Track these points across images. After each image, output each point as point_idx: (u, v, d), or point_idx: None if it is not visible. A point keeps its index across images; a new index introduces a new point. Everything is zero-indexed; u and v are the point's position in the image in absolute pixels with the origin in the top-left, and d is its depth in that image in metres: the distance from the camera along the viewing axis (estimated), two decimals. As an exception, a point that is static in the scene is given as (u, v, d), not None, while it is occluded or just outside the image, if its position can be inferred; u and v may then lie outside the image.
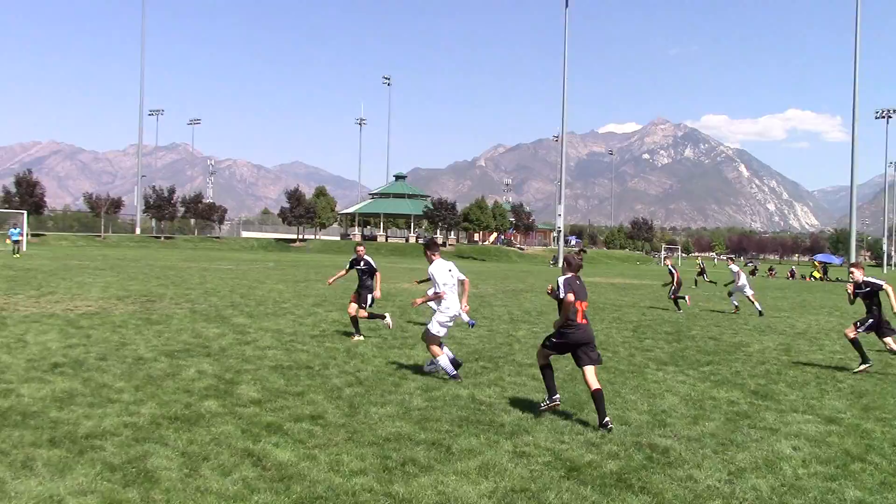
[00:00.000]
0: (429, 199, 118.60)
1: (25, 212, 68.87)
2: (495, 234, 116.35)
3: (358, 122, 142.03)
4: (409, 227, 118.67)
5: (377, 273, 14.80)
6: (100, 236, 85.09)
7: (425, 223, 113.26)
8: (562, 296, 8.45)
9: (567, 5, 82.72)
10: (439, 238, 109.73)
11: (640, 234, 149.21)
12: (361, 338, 14.13)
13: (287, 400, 8.79)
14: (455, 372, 10.59)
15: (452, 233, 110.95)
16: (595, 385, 8.27)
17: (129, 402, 8.35)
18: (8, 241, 52.66)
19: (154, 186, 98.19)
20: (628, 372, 11.94)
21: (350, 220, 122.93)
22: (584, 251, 59.81)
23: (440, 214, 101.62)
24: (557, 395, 8.70)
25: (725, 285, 28.20)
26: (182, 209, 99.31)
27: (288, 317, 17.51)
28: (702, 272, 45.08)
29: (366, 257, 14.84)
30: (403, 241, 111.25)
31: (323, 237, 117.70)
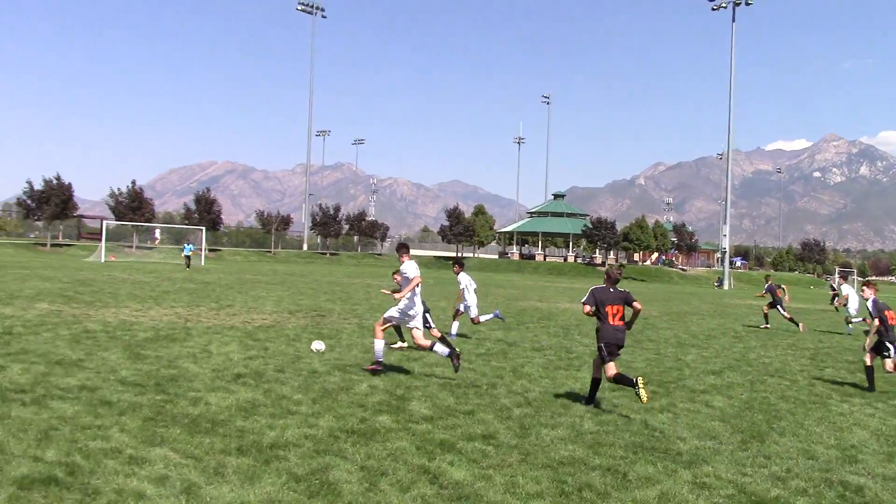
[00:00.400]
0: (587, 217, 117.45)
1: (204, 228, 73.11)
2: (656, 255, 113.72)
3: (516, 140, 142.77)
4: (567, 247, 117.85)
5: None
6: (271, 252, 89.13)
7: (584, 242, 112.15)
8: (583, 301, 10.07)
9: (734, 20, 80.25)
10: (598, 258, 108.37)
11: (810, 256, 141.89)
12: (405, 344, 14.73)
13: (458, 418, 8.84)
14: (377, 364, 11.62)
15: (611, 252, 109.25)
16: (613, 372, 9.73)
17: (307, 414, 8.63)
18: (182, 256, 56.18)
19: (320, 204, 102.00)
20: (810, 403, 11.31)
21: (508, 238, 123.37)
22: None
23: (599, 234, 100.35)
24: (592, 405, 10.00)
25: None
26: (346, 226, 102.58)
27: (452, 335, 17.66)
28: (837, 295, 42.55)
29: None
30: (561, 260, 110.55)
31: (481, 255, 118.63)
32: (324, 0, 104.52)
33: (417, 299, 12.12)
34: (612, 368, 9.77)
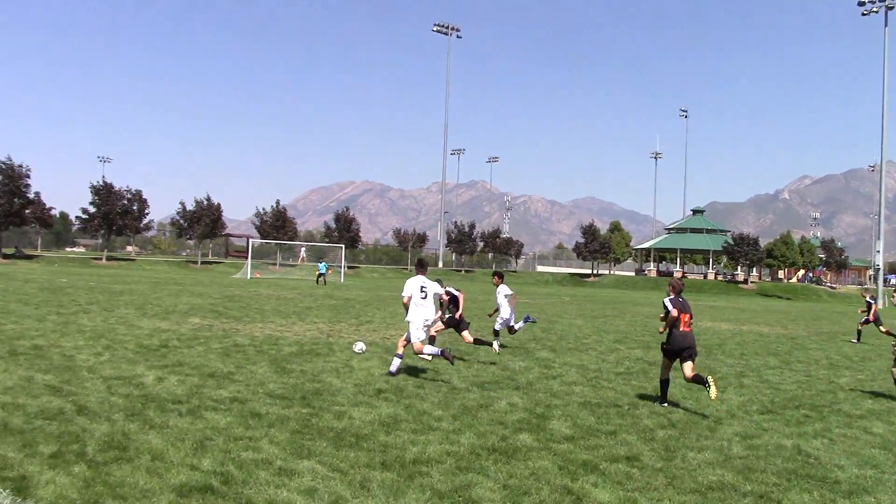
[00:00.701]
0: (728, 233, 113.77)
1: (343, 246, 75.08)
2: (802, 272, 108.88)
3: (653, 155, 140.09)
4: (707, 264, 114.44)
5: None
6: (407, 269, 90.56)
7: (724, 259, 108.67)
8: (670, 309, 10.70)
9: (886, 24, 76.26)
10: (740, 275, 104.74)
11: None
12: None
13: (600, 438, 8.69)
14: (439, 351, 12.49)
15: (754, 269, 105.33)
16: (690, 374, 10.60)
17: (448, 430, 8.68)
18: (316, 274, 57.85)
19: (455, 222, 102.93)
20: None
21: (645, 255, 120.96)
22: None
23: (741, 250, 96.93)
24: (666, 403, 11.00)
25: None
26: (481, 244, 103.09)
27: (590, 352, 17.44)
28: None
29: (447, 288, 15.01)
30: (701, 277, 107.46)
31: (617, 272, 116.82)
32: (459, 20, 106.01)
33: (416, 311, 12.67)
34: (688, 370, 10.66)
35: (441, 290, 13.58)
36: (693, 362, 10.75)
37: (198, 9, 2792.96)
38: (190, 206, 77.79)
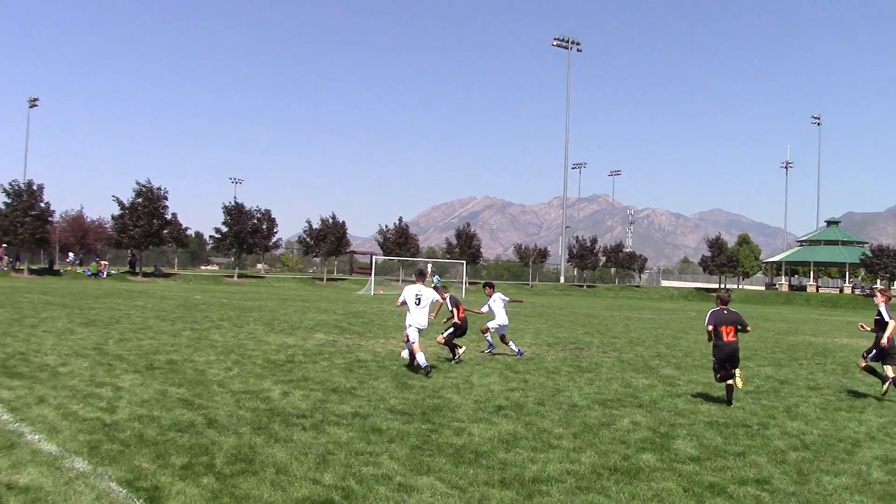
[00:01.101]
0: (866, 245, 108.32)
1: (464, 262, 75.50)
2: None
3: (783, 165, 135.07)
4: (843, 277, 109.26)
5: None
6: (528, 284, 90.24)
7: (862, 272, 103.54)
8: (706, 324, 12.17)
9: None
10: (879, 285, 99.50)
11: None
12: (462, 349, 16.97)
13: (727, 460, 8.37)
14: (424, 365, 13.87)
15: (895, 283, 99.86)
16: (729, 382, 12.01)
17: (568, 448, 8.54)
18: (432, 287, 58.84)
19: (577, 237, 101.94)
20: None
21: (776, 268, 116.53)
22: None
23: (880, 263, 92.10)
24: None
25: None
26: (603, 258, 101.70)
27: (717, 370, 16.87)
28: None
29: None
30: (837, 291, 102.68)
31: (747, 287, 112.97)
32: (579, 33, 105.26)
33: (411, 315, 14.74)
34: (726, 380, 12.04)
35: (437, 296, 15.61)
36: (736, 368, 12.04)
37: (324, 30, 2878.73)
38: (316, 225, 79.94)
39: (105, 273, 67.22)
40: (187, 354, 15.33)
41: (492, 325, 18.37)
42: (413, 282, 15.70)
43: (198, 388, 11.45)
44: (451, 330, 16.68)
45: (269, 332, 20.88)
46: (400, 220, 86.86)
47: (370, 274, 68.49)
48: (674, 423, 10.31)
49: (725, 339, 11.82)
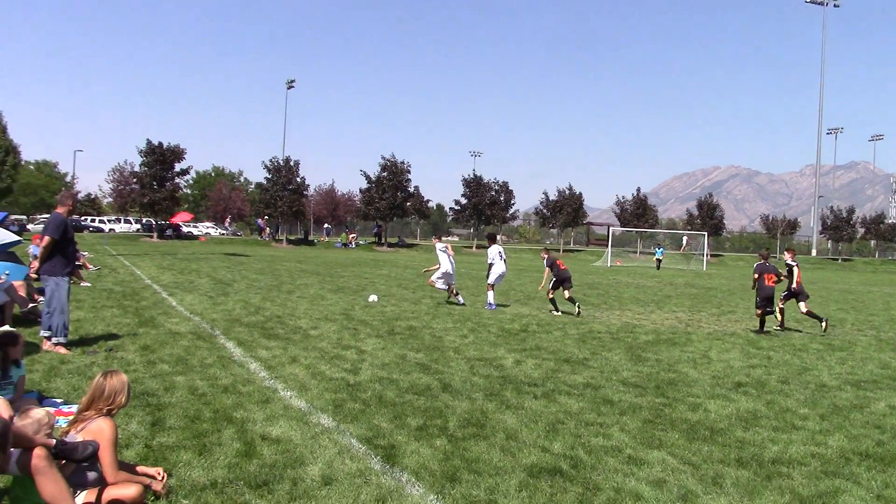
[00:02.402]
0: None
1: (706, 233, 72.75)
2: None
3: None
4: None
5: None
6: (776, 257, 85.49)
7: None
8: (754, 272, 17.48)
9: None
10: None
11: None
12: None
13: None
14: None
15: None
16: (780, 308, 17.48)
17: (814, 430, 8.02)
18: (654, 259, 59.96)
19: (831, 207, 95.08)
20: None
21: None
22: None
23: None
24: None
25: None
26: (861, 230, 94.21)
27: None
28: None
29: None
30: None
31: None
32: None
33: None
34: (761, 315, 16.70)
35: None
36: (771, 307, 16.67)
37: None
38: (553, 196, 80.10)
39: (354, 243, 71.31)
40: (426, 321, 15.91)
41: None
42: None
43: (435, 353, 11.86)
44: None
45: (504, 302, 21.21)
46: (638, 190, 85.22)
47: (607, 245, 67.71)
48: (939, 410, 9.37)
49: (768, 283, 16.86)
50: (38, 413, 5.02)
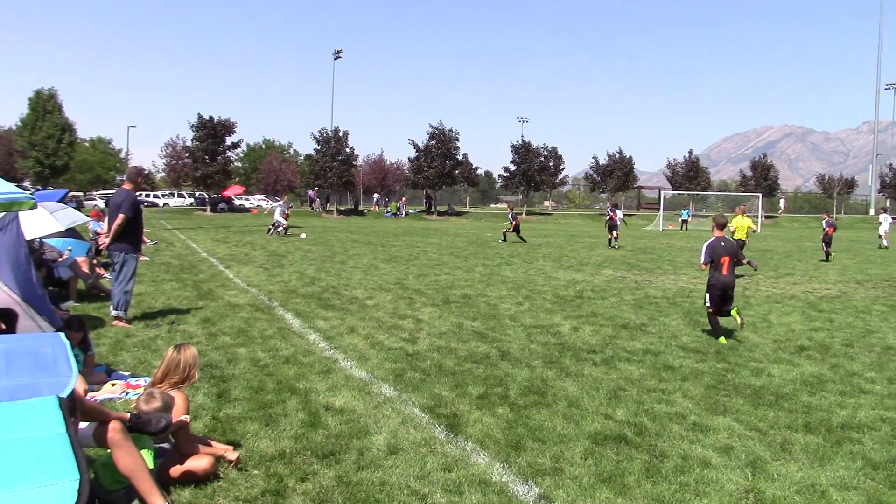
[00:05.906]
0: None
1: (760, 195, 71.45)
2: None
3: None
4: None
5: None
6: (834, 217, 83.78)
7: None
8: (702, 258, 10.89)
9: None
10: None
11: None
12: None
13: None
14: None
15: None
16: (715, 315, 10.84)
17: (882, 394, 7.86)
18: (680, 220, 61.53)
19: (890, 164, 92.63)
20: None
21: None
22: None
23: None
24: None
25: None
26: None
27: None
28: None
29: None
30: None
31: None
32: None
33: None
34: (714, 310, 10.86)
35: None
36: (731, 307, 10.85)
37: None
38: (603, 161, 79.32)
39: (404, 212, 71.48)
40: (480, 289, 15.91)
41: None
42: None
43: (491, 321, 11.86)
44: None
45: (557, 269, 21.12)
46: (689, 152, 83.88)
47: (658, 209, 66.92)
48: None
49: (724, 272, 10.80)
50: (165, 397, 5.13)
